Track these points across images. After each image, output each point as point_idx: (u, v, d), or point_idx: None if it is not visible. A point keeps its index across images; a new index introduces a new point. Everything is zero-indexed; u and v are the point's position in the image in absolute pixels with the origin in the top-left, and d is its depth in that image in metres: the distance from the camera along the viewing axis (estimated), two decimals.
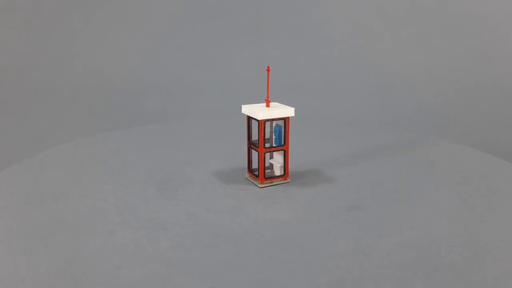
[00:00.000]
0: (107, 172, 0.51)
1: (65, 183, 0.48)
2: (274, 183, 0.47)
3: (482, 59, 1.19)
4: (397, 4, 1.23)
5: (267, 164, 0.50)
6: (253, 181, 0.47)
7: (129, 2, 1.32)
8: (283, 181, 0.47)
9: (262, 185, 0.46)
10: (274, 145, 0.46)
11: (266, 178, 0.47)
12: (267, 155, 0.51)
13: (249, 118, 0.47)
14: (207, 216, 0.40)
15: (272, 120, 0.45)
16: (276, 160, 0.48)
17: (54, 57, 1.30)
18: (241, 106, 0.47)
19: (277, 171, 0.48)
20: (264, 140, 0.45)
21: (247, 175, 0.49)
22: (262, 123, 0.44)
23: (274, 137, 0.46)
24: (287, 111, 0.45)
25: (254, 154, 0.51)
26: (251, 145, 0.47)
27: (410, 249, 0.35)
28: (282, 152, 0.47)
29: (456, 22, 1.20)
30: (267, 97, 0.46)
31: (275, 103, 0.48)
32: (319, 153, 0.58)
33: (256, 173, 0.48)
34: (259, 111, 0.44)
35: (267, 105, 0.46)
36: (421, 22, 1.22)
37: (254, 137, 0.48)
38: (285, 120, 0.45)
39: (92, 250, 0.35)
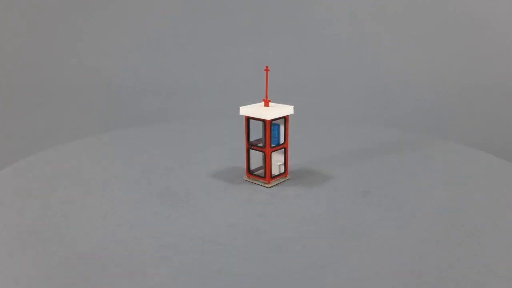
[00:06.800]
0: (107, 172, 0.51)
1: (64, 183, 0.48)
2: (281, 181, 0.47)
3: (482, 59, 1.19)
4: (397, 4, 1.23)
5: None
6: (254, 181, 0.47)
7: (130, 2, 1.32)
8: (284, 179, 0.48)
9: (270, 185, 0.47)
10: (273, 144, 0.46)
11: (272, 178, 0.47)
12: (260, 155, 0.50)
13: (248, 119, 0.46)
14: (209, 219, 0.40)
15: (277, 119, 0.45)
16: (276, 159, 0.48)
17: (54, 57, 1.30)
18: (239, 108, 0.47)
19: (276, 170, 0.48)
20: (267, 140, 0.45)
21: (245, 177, 0.49)
22: (269, 123, 0.44)
23: (274, 136, 0.46)
24: (288, 109, 0.46)
25: (253, 155, 0.50)
26: (251, 146, 0.47)
27: (409, 249, 0.34)
28: (282, 150, 0.47)
29: (456, 21, 1.20)
30: (266, 97, 0.46)
31: (272, 103, 0.47)
32: (318, 153, 0.58)
33: (257, 173, 0.48)
34: (264, 111, 0.44)
35: (266, 105, 0.46)
36: (421, 22, 1.22)
37: (252, 138, 0.47)
38: (286, 118, 0.46)
39: (91, 250, 0.35)
